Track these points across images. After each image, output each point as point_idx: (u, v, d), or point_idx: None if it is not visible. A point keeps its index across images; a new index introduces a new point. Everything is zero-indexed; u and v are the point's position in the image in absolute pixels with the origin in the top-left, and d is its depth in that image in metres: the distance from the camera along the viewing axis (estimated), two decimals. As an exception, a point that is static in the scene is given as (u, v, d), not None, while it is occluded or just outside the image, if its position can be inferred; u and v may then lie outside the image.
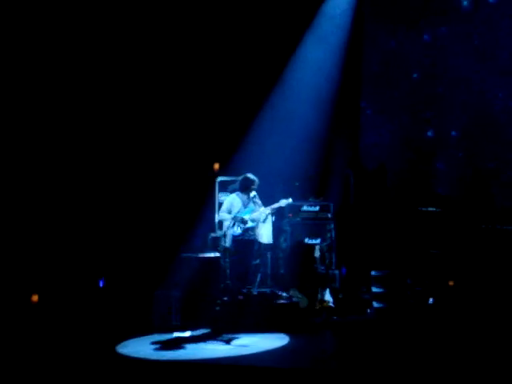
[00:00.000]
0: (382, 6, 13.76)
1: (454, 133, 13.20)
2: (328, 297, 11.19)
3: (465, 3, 13.28)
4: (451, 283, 11.34)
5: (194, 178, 12.92)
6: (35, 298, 11.25)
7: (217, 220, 11.79)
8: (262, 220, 10.94)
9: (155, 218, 12.71)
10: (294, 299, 10.97)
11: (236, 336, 9.88)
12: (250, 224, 10.90)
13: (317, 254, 11.62)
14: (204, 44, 13.16)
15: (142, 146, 12.98)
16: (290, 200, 11.24)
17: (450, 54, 13.39)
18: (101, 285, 12.20)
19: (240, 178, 11.10)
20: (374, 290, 11.77)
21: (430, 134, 13.40)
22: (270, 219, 11.10)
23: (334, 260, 12.21)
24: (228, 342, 9.65)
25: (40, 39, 12.07)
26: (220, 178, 12.39)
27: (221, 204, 11.49)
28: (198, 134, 13.14)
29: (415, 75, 13.59)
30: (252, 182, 10.91)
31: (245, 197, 10.99)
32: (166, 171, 12.95)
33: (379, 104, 13.73)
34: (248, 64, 13.26)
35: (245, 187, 10.96)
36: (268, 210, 10.98)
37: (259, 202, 10.90)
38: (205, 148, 13.07)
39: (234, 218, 10.84)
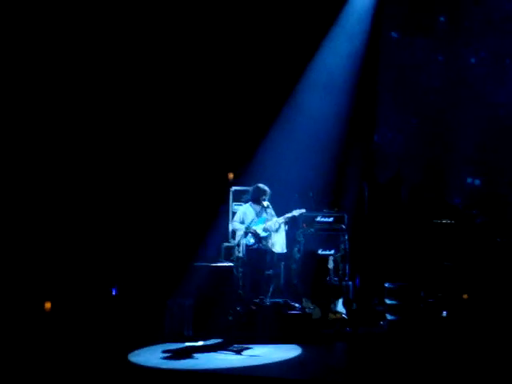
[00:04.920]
0: (400, 17, 13.75)
1: (468, 145, 13.16)
2: (341, 308, 11.16)
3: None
4: (465, 296, 11.27)
5: (208, 188, 12.93)
6: (48, 305, 11.27)
7: (230, 230, 11.78)
8: (274, 229, 10.95)
9: (169, 227, 12.71)
10: (306, 310, 10.94)
11: (248, 346, 9.86)
12: (262, 234, 10.91)
13: (330, 265, 11.58)
14: (220, 56, 13.19)
15: (157, 154, 13.00)
16: (303, 210, 11.28)
17: (466, 67, 13.41)
18: (114, 293, 12.20)
19: (251, 188, 11.13)
20: (388, 301, 11.70)
21: (445, 146, 13.37)
22: (283, 228, 11.10)
23: (347, 271, 12.15)
24: (240, 352, 9.63)
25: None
26: (234, 188, 12.39)
27: (234, 213, 11.50)
28: (213, 144, 13.15)
29: (430, 86, 13.56)
30: (263, 192, 10.94)
31: (258, 207, 11.01)
32: (180, 180, 12.96)
33: (394, 116, 13.70)
34: (263, 74, 13.27)
35: (256, 197, 10.99)
36: (281, 219, 11.00)
37: (272, 211, 10.95)
38: (219, 157, 13.08)
39: (247, 228, 10.85)
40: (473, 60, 13.41)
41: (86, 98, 12.59)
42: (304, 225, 12.24)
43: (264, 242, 10.96)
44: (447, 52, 13.54)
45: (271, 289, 11.48)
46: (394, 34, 13.80)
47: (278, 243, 11.15)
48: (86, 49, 12.50)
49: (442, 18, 13.59)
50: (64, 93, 12.39)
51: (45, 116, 12.24)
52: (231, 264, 11.02)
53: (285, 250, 11.36)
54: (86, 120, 12.59)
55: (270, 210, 10.94)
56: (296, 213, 11.14)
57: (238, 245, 10.86)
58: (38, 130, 12.15)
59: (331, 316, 11.07)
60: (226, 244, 11.97)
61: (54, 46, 12.22)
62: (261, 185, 11.07)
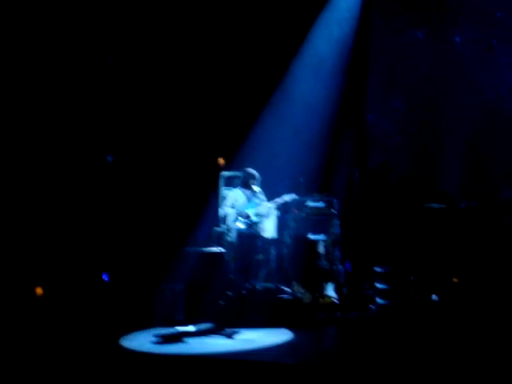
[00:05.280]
0: (391, 3, 13.74)
1: (460, 130, 13.18)
2: (332, 293, 11.20)
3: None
4: (455, 280, 11.33)
5: (198, 173, 12.92)
6: (39, 290, 11.27)
7: (221, 215, 11.78)
8: (265, 215, 10.97)
9: (160, 213, 12.71)
10: (297, 294, 10.97)
11: (239, 331, 9.90)
12: (253, 219, 10.93)
13: (321, 249, 11.61)
14: (209, 40, 13.16)
15: (146, 140, 12.99)
16: (294, 195, 11.30)
17: (456, 52, 13.41)
18: (105, 278, 12.21)
19: (241, 172, 11.15)
20: (378, 286, 11.76)
21: (436, 131, 13.39)
22: (274, 214, 11.14)
23: (338, 256, 12.19)
24: (231, 336, 9.67)
25: (40, 39, 12.05)
26: (224, 173, 12.39)
27: (225, 198, 11.51)
28: (203, 129, 13.14)
29: (421, 72, 13.57)
30: (251, 175, 10.96)
31: (248, 191, 11.02)
32: (170, 166, 12.96)
33: (386, 101, 13.72)
34: (254, 59, 13.26)
35: (245, 182, 11.01)
36: (272, 204, 11.03)
37: (263, 196, 10.96)
38: (210, 143, 13.07)
39: (238, 213, 10.87)
40: (464, 46, 13.41)
41: (78, 87, 12.56)
42: (295, 210, 12.26)
43: (255, 227, 10.99)
44: (437, 37, 13.54)
45: (262, 274, 11.53)
46: (383, 19, 13.78)
47: (269, 228, 11.20)
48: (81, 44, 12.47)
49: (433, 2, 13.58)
50: (59, 88, 12.36)
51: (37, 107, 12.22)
52: (222, 249, 11.03)
53: (275, 236, 11.41)
54: (77, 104, 12.56)
55: (261, 195, 10.96)
56: (287, 198, 11.16)
57: (229, 230, 10.86)
58: (32, 123, 12.11)
59: (322, 300, 11.11)
60: (217, 229, 11.97)
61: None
62: (249, 169, 11.08)
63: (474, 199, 12.17)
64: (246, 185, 11.04)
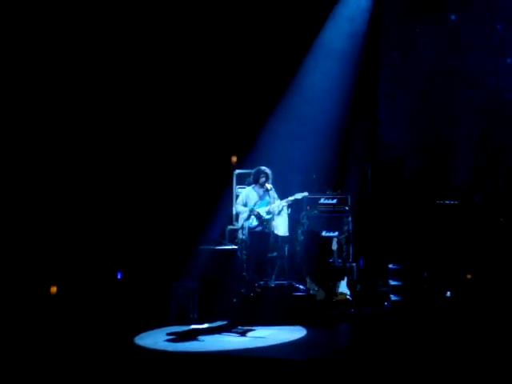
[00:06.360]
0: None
1: (471, 126, 13.14)
2: (345, 289, 11.20)
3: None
4: (469, 276, 11.29)
5: (211, 171, 12.94)
6: (54, 289, 11.32)
7: (234, 212, 11.81)
8: (277, 212, 10.98)
9: (173, 211, 12.73)
10: (311, 291, 10.98)
11: (253, 328, 9.91)
12: (265, 216, 10.95)
13: (334, 246, 11.61)
14: (222, 38, 13.15)
15: (161, 138, 13.01)
16: (306, 193, 11.31)
17: (470, 48, 13.35)
18: (119, 277, 12.24)
19: (253, 170, 11.17)
20: (392, 282, 11.75)
21: (447, 127, 13.35)
22: (286, 212, 11.15)
23: (351, 253, 12.20)
24: (245, 334, 9.69)
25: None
26: (237, 171, 12.42)
27: (238, 196, 11.54)
28: (216, 127, 13.15)
29: (434, 67, 13.52)
30: (264, 173, 10.96)
31: (261, 189, 11.04)
32: (184, 164, 12.98)
33: (398, 97, 13.67)
34: (266, 56, 13.25)
35: (256, 179, 11.02)
36: (284, 202, 11.04)
37: (275, 194, 10.97)
38: (223, 141, 13.08)
39: (250, 211, 10.88)
40: (478, 39, 13.35)
41: (87, 86, 12.60)
42: (308, 207, 12.27)
43: (266, 225, 11.01)
44: (450, 30, 13.48)
45: (275, 271, 11.54)
46: (395, 12, 13.71)
47: (281, 226, 11.21)
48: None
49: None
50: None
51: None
52: (235, 247, 11.05)
53: (287, 233, 11.42)
54: (94, 105, 12.61)
55: (273, 193, 10.96)
56: (299, 196, 11.17)
57: (242, 227, 10.89)
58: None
59: (335, 297, 11.12)
60: (230, 227, 12.03)
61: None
62: (262, 167, 11.10)
63: (478, 195, 12.13)
64: (257, 181, 11.07)
